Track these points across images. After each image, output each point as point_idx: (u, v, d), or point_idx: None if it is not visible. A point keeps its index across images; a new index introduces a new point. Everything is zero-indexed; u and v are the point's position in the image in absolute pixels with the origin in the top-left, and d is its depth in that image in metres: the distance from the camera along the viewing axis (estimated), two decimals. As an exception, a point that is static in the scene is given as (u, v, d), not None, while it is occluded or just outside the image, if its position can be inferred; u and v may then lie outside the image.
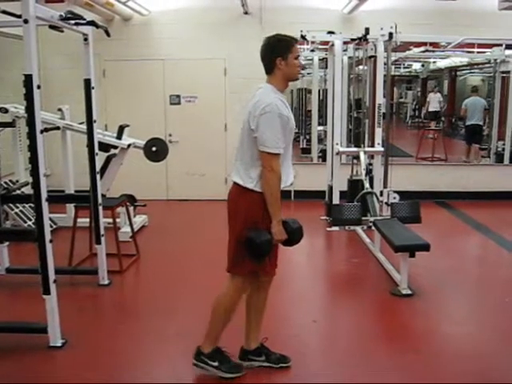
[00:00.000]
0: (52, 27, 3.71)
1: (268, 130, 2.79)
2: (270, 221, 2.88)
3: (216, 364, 3.14)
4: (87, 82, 4.21)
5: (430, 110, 12.89)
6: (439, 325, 3.98)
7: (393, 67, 8.36)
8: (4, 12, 3.68)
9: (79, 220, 5.05)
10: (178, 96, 7.89)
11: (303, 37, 6.42)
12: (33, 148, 3.21)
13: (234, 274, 3.02)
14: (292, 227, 2.99)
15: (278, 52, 2.91)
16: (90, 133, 4.33)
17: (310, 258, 5.50)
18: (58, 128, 6.05)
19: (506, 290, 4.63)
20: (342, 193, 6.48)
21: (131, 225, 5.57)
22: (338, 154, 6.42)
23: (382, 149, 6.23)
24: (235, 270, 3.01)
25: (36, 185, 3.24)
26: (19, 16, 3.11)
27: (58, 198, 5.47)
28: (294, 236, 3.02)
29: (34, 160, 3.22)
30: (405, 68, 13.94)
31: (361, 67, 6.94)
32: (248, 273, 3.01)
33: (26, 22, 3.06)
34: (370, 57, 6.40)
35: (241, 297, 3.11)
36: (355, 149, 6.59)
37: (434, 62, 12.71)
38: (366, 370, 3.28)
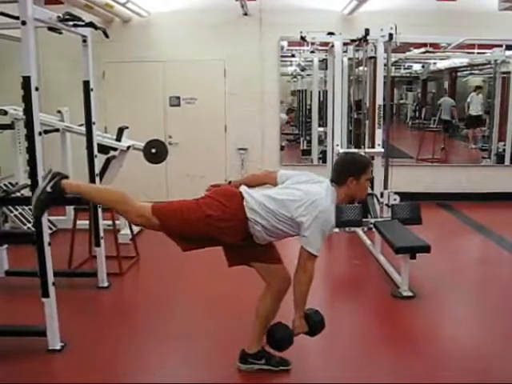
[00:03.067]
0: (51, 29, 3.70)
1: (318, 234, 2.85)
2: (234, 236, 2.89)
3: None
4: (86, 84, 4.20)
5: (472, 113, 11.03)
6: (440, 326, 3.96)
7: (393, 68, 8.37)
8: (2, 14, 3.68)
9: (79, 222, 5.05)
10: (178, 98, 7.87)
11: (303, 38, 6.40)
12: (31, 150, 3.20)
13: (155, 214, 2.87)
14: (314, 320, 3.05)
15: (353, 172, 2.98)
16: (89, 135, 4.32)
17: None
18: (57, 130, 6.04)
19: (507, 292, 4.61)
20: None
21: (130, 227, 5.55)
22: (338, 155, 6.40)
23: (383, 150, 6.21)
24: (160, 215, 2.87)
25: (34, 187, 3.22)
26: (17, 18, 3.10)
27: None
28: (315, 329, 3.07)
29: (32, 162, 3.21)
30: (405, 69, 13.90)
31: (361, 68, 6.93)
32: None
33: (23, 23, 3.05)
34: (370, 58, 6.38)
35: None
36: (355, 150, 6.57)
37: (435, 63, 12.66)
38: (366, 373, 3.27)
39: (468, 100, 11.02)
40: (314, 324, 3.04)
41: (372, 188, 6.11)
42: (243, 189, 2.98)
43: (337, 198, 2.97)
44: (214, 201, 2.90)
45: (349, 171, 2.98)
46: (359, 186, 3.00)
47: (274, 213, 2.86)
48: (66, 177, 2.91)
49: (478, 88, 10.89)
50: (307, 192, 2.89)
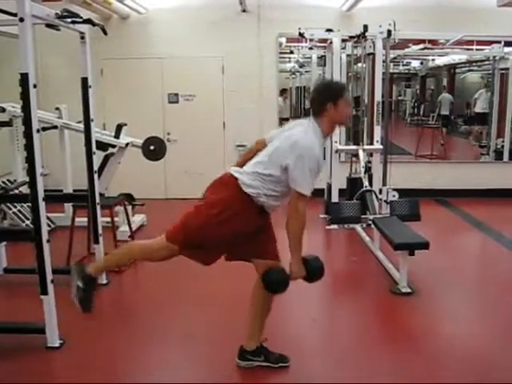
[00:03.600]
0: (48, 26, 3.68)
1: (305, 172, 2.81)
2: (240, 224, 2.87)
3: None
4: (84, 81, 4.18)
5: (478, 110, 10.70)
6: (439, 323, 3.96)
7: (391, 65, 8.36)
8: None
9: (77, 219, 5.04)
10: (177, 94, 7.87)
11: (301, 34, 6.40)
12: (29, 147, 3.19)
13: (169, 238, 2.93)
14: (313, 266, 3.00)
15: (329, 97, 2.95)
16: (87, 132, 4.31)
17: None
18: (55, 127, 6.03)
19: (506, 289, 4.61)
20: (341, 191, 6.48)
21: (129, 224, 5.55)
22: (336, 151, 6.41)
23: (381, 146, 6.22)
24: (175, 238, 2.92)
25: (33, 184, 3.22)
26: (15, 14, 3.09)
27: (56, 198, 5.46)
28: (314, 275, 3.03)
29: (30, 159, 3.20)
30: (403, 66, 13.91)
31: (359, 65, 6.92)
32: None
33: (21, 20, 3.04)
34: (369, 54, 6.39)
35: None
36: (354, 147, 6.57)
37: (433, 60, 12.66)
38: (365, 370, 3.27)
39: (475, 96, 10.97)
40: (313, 270, 2.99)
41: (371, 184, 6.12)
42: (232, 170, 2.97)
43: (321, 131, 2.95)
44: (211, 198, 2.91)
45: (325, 98, 2.95)
46: (338, 111, 2.95)
47: (270, 175, 2.86)
48: (83, 264, 3.10)
49: (486, 85, 10.59)
50: (288, 137, 2.90)
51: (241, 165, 3.06)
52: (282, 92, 10.71)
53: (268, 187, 2.87)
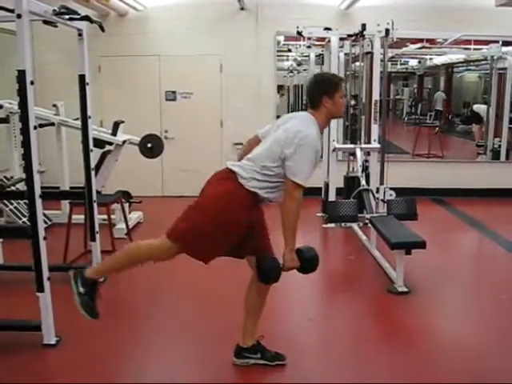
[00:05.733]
0: (46, 22, 3.67)
1: (302, 161, 2.82)
2: (241, 221, 2.87)
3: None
4: (82, 78, 4.17)
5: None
6: (435, 323, 3.97)
7: (389, 64, 8.35)
8: (-3, 7, 3.64)
9: (74, 217, 5.03)
10: (174, 92, 7.86)
11: (299, 33, 6.40)
12: (26, 144, 3.18)
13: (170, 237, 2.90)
14: (307, 256, 2.97)
15: (325, 90, 2.96)
16: (84, 129, 4.30)
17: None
18: (52, 124, 6.02)
19: (502, 288, 4.63)
20: (338, 189, 6.48)
21: (126, 221, 5.55)
22: (334, 150, 6.41)
23: (379, 145, 6.22)
24: (175, 236, 2.89)
25: (29, 181, 3.21)
26: (12, 11, 3.08)
27: (53, 195, 5.44)
28: (308, 265, 3.00)
29: (27, 156, 3.19)
30: (401, 65, 13.93)
31: (357, 64, 6.92)
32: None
33: (19, 16, 3.03)
34: (367, 53, 6.39)
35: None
36: (351, 145, 6.57)
37: (431, 59, 12.68)
38: (361, 368, 3.27)
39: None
40: (307, 260, 2.97)
41: (368, 183, 6.12)
42: (229, 163, 2.96)
43: (318, 121, 2.96)
44: (208, 193, 2.91)
45: (321, 91, 2.97)
46: (335, 104, 2.97)
47: (268, 168, 2.86)
48: (84, 267, 3.10)
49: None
50: (285, 129, 2.92)
51: (238, 160, 3.07)
52: (279, 88, 10.71)
53: (265, 179, 2.87)
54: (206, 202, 2.89)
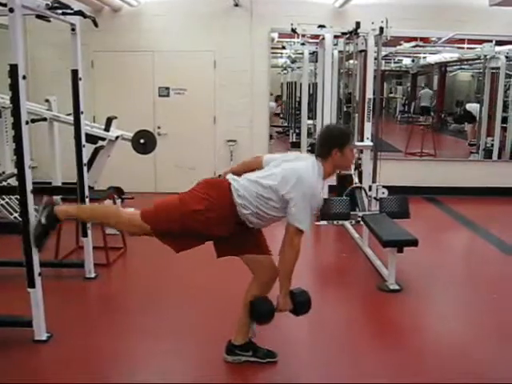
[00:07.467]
0: (39, 17, 3.65)
1: (304, 208, 2.85)
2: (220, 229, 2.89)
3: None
4: (74, 73, 4.15)
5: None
6: (427, 321, 3.99)
7: (383, 62, 8.37)
8: (-11, 1, 3.62)
9: (66, 212, 4.99)
10: (167, 88, 7.84)
11: (294, 30, 6.40)
12: (18, 139, 3.16)
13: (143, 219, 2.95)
14: (300, 300, 3.04)
15: (337, 143, 2.99)
16: (77, 124, 4.28)
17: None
18: (45, 119, 5.98)
19: (494, 286, 4.65)
20: (330, 187, 6.48)
21: (119, 218, 5.52)
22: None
23: (372, 143, 6.22)
24: (148, 219, 2.94)
25: (21, 176, 3.20)
26: (4, 5, 3.05)
27: (45, 190, 5.39)
28: (300, 308, 3.07)
29: (19, 151, 3.17)
30: (395, 63, 13.97)
31: (351, 61, 6.92)
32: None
33: (11, 11, 3.01)
34: (361, 51, 6.38)
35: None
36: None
37: (425, 58, 12.72)
38: (351, 366, 3.29)
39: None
40: (300, 303, 3.04)
41: (360, 181, 6.13)
42: (229, 176, 3.00)
43: (324, 172, 2.98)
44: (199, 193, 2.92)
45: (332, 143, 3.00)
46: (344, 157, 3.02)
47: (263, 196, 2.88)
48: (55, 204, 3.10)
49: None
50: (293, 169, 2.92)
51: (236, 172, 3.11)
52: (277, 98, 10.73)
53: (259, 207, 2.89)
54: (192, 198, 2.91)
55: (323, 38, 6.41)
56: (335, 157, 2.99)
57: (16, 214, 5.86)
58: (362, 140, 6.33)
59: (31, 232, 3.07)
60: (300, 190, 2.83)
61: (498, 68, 8.44)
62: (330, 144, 3.00)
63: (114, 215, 3.10)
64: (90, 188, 4.84)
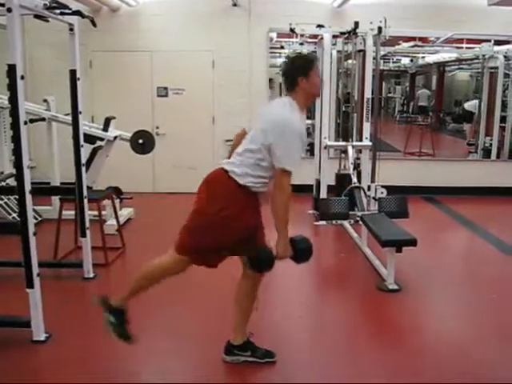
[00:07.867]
0: (37, 17, 3.65)
1: (287, 147, 2.80)
2: (244, 217, 2.87)
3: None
4: (73, 73, 4.15)
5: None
6: (425, 321, 3.99)
7: (382, 62, 8.36)
8: (-13, 1, 3.61)
9: (64, 212, 5.00)
10: (166, 88, 7.84)
11: (292, 30, 6.39)
12: (16, 139, 3.16)
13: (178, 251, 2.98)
14: (301, 247, 2.97)
15: (300, 70, 2.95)
16: (75, 124, 4.28)
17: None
18: (43, 119, 5.98)
19: (493, 286, 4.65)
20: (329, 187, 6.48)
21: (117, 218, 5.52)
22: (325, 147, 6.41)
23: (370, 143, 6.22)
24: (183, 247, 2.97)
25: (19, 176, 3.19)
26: (2, 5, 3.05)
27: (43, 191, 5.41)
28: (301, 256, 2.99)
29: (17, 151, 3.17)
30: (394, 63, 13.95)
31: (350, 61, 6.92)
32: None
33: (9, 10, 3.01)
34: (359, 51, 6.38)
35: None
36: (343, 143, 6.58)
37: (423, 57, 12.73)
38: (351, 367, 3.28)
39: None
40: (301, 250, 2.96)
41: (359, 181, 6.13)
42: (223, 163, 2.96)
43: (297, 104, 2.94)
44: (209, 196, 2.90)
45: (296, 72, 2.96)
46: (310, 83, 2.96)
47: (257, 159, 2.86)
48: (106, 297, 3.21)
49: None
50: (266, 117, 2.94)
51: (228, 157, 3.07)
52: (269, 82, 10.68)
53: (256, 174, 2.86)
54: (208, 204, 2.89)
55: (322, 38, 6.40)
56: (302, 85, 2.93)
57: (15, 214, 5.86)
58: (360, 140, 6.33)
59: (115, 335, 3.10)
60: (277, 130, 2.81)
61: (497, 68, 8.44)
62: (294, 74, 2.96)
63: (158, 271, 3.10)
64: (89, 188, 4.84)
